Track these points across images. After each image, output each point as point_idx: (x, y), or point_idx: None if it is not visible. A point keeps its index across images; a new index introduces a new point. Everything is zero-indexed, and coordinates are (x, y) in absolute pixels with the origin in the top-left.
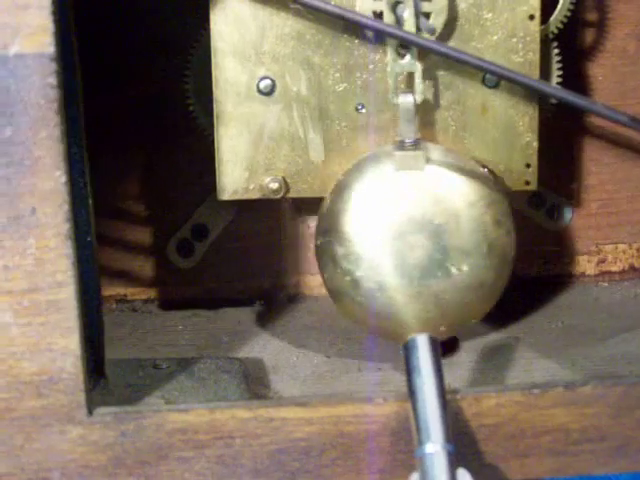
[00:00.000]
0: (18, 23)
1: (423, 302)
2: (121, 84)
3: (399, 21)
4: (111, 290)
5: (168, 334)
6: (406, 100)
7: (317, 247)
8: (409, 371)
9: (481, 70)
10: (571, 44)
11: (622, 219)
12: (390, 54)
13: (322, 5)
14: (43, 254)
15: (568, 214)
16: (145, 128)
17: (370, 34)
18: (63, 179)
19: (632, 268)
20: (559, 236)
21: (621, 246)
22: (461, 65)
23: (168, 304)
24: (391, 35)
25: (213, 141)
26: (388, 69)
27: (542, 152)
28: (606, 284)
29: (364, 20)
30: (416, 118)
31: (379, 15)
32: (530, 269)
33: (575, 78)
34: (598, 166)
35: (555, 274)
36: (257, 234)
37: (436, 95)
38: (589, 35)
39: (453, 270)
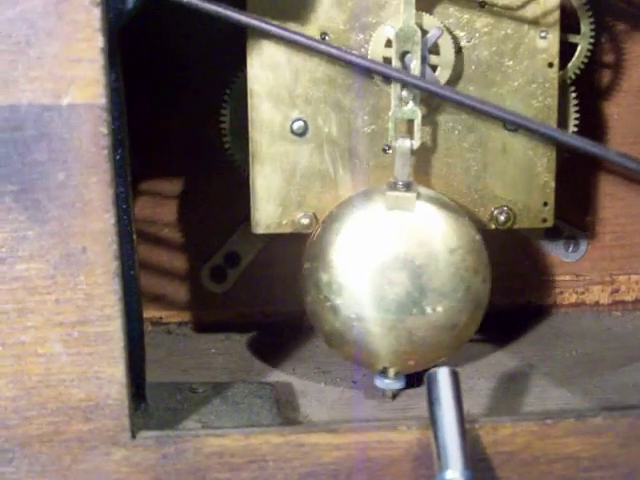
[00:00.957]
0: (71, 75)
1: (396, 336)
2: (161, 117)
3: (406, 69)
4: (147, 312)
5: (202, 357)
6: (403, 144)
7: (303, 271)
8: (431, 402)
9: (500, 120)
10: (588, 84)
11: (635, 251)
12: (393, 100)
13: (348, 56)
14: (92, 289)
15: (583, 246)
16: (183, 159)
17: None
18: (112, 221)
19: None
20: (574, 266)
21: (634, 277)
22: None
23: (201, 327)
24: (411, 84)
25: (248, 176)
26: (390, 113)
27: (559, 186)
28: (619, 313)
29: (389, 71)
30: (411, 161)
31: (388, 61)
32: (546, 298)
33: (592, 116)
34: (612, 200)
35: (570, 303)
36: (286, 262)
37: (460, 137)
38: (606, 76)
39: (428, 310)
